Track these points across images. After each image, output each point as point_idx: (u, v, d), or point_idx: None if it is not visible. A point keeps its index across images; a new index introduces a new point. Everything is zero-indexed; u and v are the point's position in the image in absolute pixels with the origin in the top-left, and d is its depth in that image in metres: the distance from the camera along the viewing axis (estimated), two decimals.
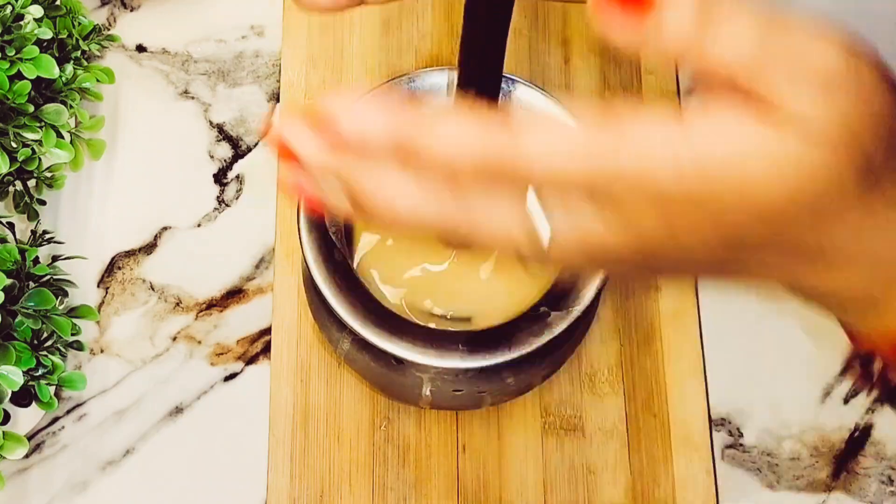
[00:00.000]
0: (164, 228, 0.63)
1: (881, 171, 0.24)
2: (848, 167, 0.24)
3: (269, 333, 0.60)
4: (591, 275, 0.41)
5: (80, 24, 0.61)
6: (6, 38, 0.55)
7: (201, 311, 0.61)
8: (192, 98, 0.66)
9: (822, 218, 0.25)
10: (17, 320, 0.52)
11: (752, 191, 0.24)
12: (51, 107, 0.57)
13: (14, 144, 0.56)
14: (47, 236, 0.58)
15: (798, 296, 0.29)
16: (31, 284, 0.53)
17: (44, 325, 0.52)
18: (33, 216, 0.59)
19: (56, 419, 0.59)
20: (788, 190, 0.24)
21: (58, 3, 0.59)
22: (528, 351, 0.47)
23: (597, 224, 0.26)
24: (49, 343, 0.53)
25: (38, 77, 0.55)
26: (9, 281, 0.51)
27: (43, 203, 0.60)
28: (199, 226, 0.63)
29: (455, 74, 0.50)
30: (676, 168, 0.24)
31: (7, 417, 0.52)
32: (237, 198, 0.64)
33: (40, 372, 0.52)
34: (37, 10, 0.57)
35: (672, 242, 0.25)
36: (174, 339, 0.61)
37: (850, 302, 0.29)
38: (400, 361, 0.48)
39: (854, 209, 0.25)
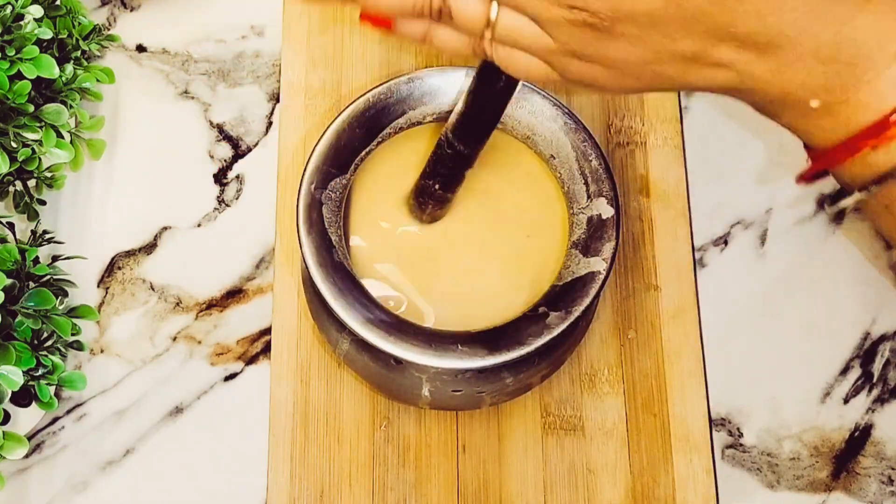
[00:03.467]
0: (164, 228, 0.63)
1: None
2: None
3: (269, 333, 0.60)
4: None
5: (80, 24, 0.61)
6: (6, 38, 0.55)
7: (201, 311, 0.61)
8: (192, 98, 0.66)
9: None
10: (17, 320, 0.52)
11: None
12: (51, 107, 0.57)
13: (14, 144, 0.56)
14: (47, 236, 0.58)
15: (760, 102, 0.32)
16: (31, 284, 0.53)
17: (44, 325, 0.52)
18: (33, 216, 0.59)
19: (56, 419, 0.59)
20: None
21: (58, 3, 0.59)
22: (527, 351, 0.47)
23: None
24: (49, 343, 0.53)
25: (38, 77, 0.55)
26: (9, 281, 0.51)
27: (43, 203, 0.60)
28: (199, 226, 0.63)
29: (463, 77, 0.51)
30: None
31: (7, 417, 0.52)
32: (237, 198, 0.64)
33: (40, 372, 0.52)
34: (37, 10, 0.57)
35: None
36: (174, 339, 0.61)
37: (804, 105, 0.32)
38: (399, 362, 0.48)
39: None
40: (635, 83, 0.32)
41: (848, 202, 0.34)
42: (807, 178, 0.35)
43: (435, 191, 0.49)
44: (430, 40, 0.33)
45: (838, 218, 0.63)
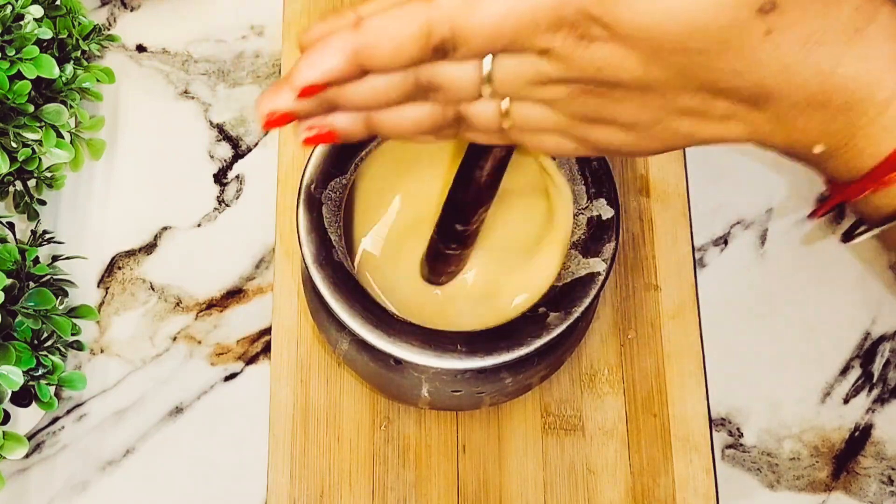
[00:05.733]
0: (164, 228, 0.63)
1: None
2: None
3: (269, 333, 0.60)
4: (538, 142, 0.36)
5: (80, 24, 0.61)
6: (6, 38, 0.55)
7: (201, 311, 0.61)
8: (192, 98, 0.66)
9: (741, 43, 0.29)
10: (17, 320, 0.52)
11: (659, 24, 0.28)
12: (51, 107, 0.57)
13: (14, 144, 0.56)
14: (47, 236, 0.58)
15: (776, 149, 0.33)
16: (31, 284, 0.53)
17: (44, 325, 0.52)
18: (33, 216, 0.59)
19: (56, 419, 0.59)
20: (701, 21, 0.28)
21: (58, 3, 0.59)
22: (526, 351, 0.47)
23: (531, 61, 0.30)
24: (49, 343, 0.53)
25: (38, 77, 0.55)
26: (9, 281, 0.52)
27: (43, 203, 0.60)
28: (199, 226, 0.63)
29: None
30: (581, 8, 0.28)
31: (7, 417, 0.52)
32: (237, 198, 0.64)
33: (40, 372, 0.52)
34: (37, 10, 0.57)
35: (600, 66, 0.30)
36: (174, 339, 0.61)
37: (810, 153, 0.32)
38: (398, 362, 0.48)
39: (763, 36, 0.29)
40: (657, 144, 0.33)
41: (863, 237, 0.35)
42: (819, 214, 0.35)
43: (452, 251, 0.50)
44: (463, 138, 0.35)
45: (838, 218, 0.63)
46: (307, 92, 0.31)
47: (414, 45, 0.30)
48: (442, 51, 0.30)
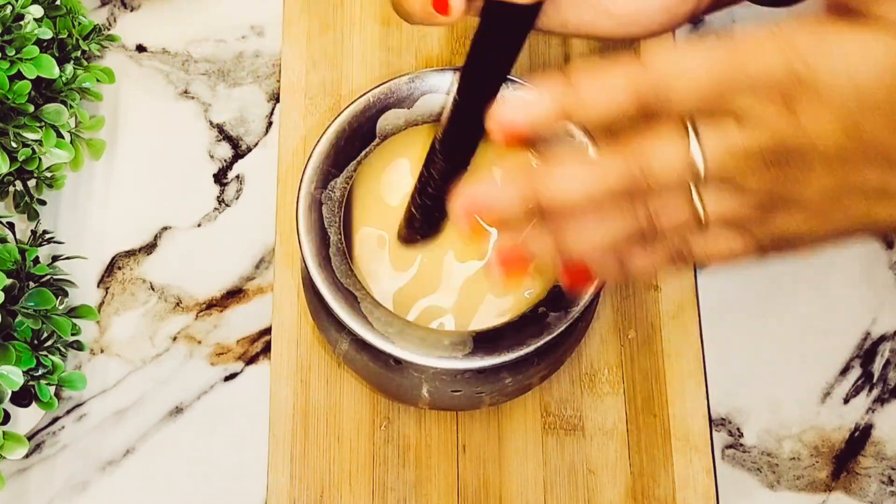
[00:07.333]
0: (164, 228, 0.63)
1: None
2: None
3: (269, 333, 0.60)
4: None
5: (80, 24, 0.61)
6: (6, 38, 0.55)
7: (201, 311, 0.61)
8: (192, 98, 0.66)
9: None
10: (17, 320, 0.52)
11: (863, 83, 0.28)
12: (51, 107, 0.57)
13: (14, 144, 0.56)
14: (47, 236, 0.58)
15: None
16: (31, 284, 0.53)
17: (44, 325, 0.52)
18: (33, 216, 0.59)
19: (56, 419, 0.59)
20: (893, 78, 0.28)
21: (58, 3, 0.59)
22: (526, 352, 0.47)
23: (734, 133, 0.30)
24: (49, 343, 0.53)
25: (38, 77, 0.55)
26: (9, 281, 0.52)
27: (43, 203, 0.60)
28: (199, 226, 0.63)
29: (456, 76, 0.50)
30: (791, 70, 0.28)
31: (7, 417, 0.53)
32: (237, 198, 0.64)
33: (40, 372, 0.52)
34: (37, 10, 0.57)
35: (801, 134, 0.29)
36: (174, 339, 0.61)
37: None
38: (398, 362, 0.48)
39: None
40: (832, 227, 0.32)
41: None
42: None
43: (431, 205, 0.49)
44: (622, 275, 0.35)
45: None
46: (511, 135, 0.32)
47: (622, 95, 0.30)
48: (647, 111, 0.30)
